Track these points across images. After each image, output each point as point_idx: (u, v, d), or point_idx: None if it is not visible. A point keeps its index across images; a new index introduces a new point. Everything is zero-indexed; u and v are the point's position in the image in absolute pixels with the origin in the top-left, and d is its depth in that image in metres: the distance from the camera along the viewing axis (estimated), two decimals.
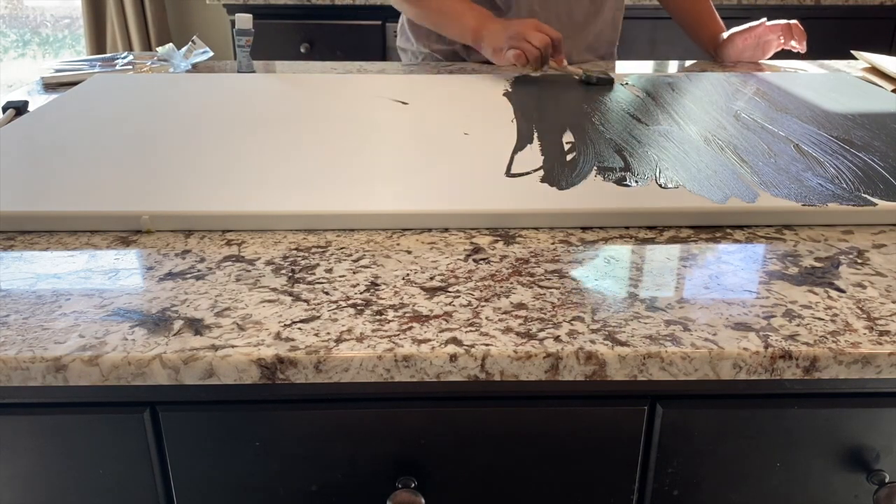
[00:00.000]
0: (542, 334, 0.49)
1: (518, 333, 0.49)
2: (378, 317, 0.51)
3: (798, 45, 1.29)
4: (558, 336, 0.49)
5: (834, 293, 0.54)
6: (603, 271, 0.57)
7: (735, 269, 0.58)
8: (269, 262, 0.58)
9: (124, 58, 1.29)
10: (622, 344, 0.48)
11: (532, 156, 0.77)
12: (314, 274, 0.56)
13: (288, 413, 0.52)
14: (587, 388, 0.52)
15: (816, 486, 0.55)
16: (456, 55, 1.32)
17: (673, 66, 1.34)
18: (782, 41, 1.29)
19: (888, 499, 0.53)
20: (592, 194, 0.67)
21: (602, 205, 0.65)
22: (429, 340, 0.48)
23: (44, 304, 0.52)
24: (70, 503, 0.54)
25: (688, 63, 1.35)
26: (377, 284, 0.55)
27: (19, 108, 0.96)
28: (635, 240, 0.62)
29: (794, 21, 1.29)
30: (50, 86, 1.15)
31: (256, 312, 0.51)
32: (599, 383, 0.50)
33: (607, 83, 1.06)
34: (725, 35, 1.33)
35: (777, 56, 1.33)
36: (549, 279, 0.56)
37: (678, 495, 0.55)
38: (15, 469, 0.53)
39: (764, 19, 1.31)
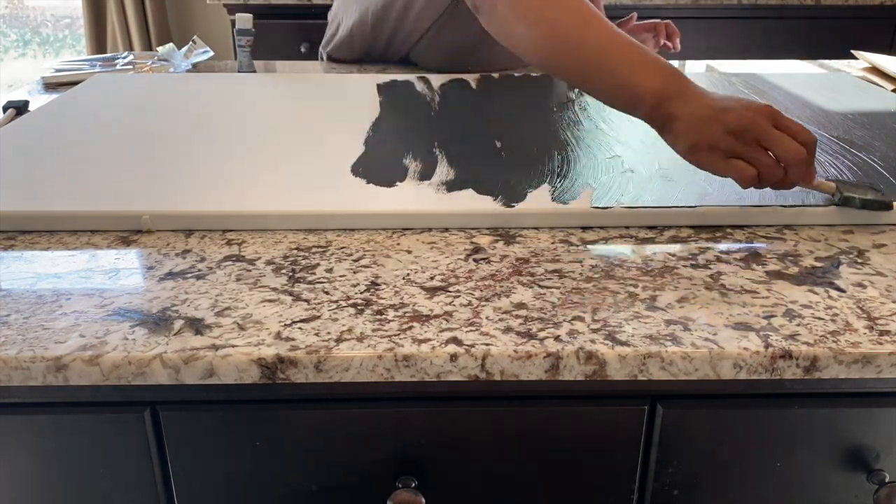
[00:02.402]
0: (542, 334, 0.49)
1: (518, 333, 0.49)
2: (378, 316, 0.51)
3: (671, 44, 1.27)
4: (558, 336, 0.49)
5: (834, 293, 0.54)
6: (603, 271, 0.57)
7: (735, 268, 0.58)
8: (269, 262, 0.58)
9: (125, 58, 1.29)
10: (622, 344, 0.48)
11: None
12: (314, 274, 0.56)
13: (288, 413, 0.52)
14: (587, 387, 0.52)
15: (816, 485, 0.55)
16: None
17: None
18: (655, 41, 1.28)
19: (888, 499, 0.53)
20: (591, 194, 0.67)
21: (603, 204, 0.65)
22: (429, 340, 0.48)
23: (44, 303, 0.52)
24: (70, 503, 0.54)
25: None
26: (377, 284, 0.55)
27: (20, 108, 0.96)
28: (635, 239, 0.62)
29: (667, 20, 1.28)
30: (50, 85, 1.15)
31: (257, 312, 0.51)
32: (599, 383, 0.50)
33: (882, 206, 0.65)
34: None
35: (774, 56, 1.33)
36: (549, 279, 0.56)
37: (678, 495, 0.55)
38: (15, 469, 0.53)
39: (634, 14, 1.29)
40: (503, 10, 0.69)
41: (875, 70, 1.29)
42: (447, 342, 0.48)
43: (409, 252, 0.60)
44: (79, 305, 0.52)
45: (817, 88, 1.07)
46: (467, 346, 0.48)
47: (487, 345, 0.48)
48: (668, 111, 0.63)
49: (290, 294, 0.53)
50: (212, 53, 1.32)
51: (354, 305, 0.52)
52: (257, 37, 1.23)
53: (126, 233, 0.63)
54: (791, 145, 0.60)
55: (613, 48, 0.65)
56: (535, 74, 1.14)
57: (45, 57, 2.88)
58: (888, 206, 0.65)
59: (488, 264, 0.58)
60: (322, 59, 1.35)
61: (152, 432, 0.52)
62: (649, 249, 0.61)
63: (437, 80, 1.08)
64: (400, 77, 1.09)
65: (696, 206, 0.65)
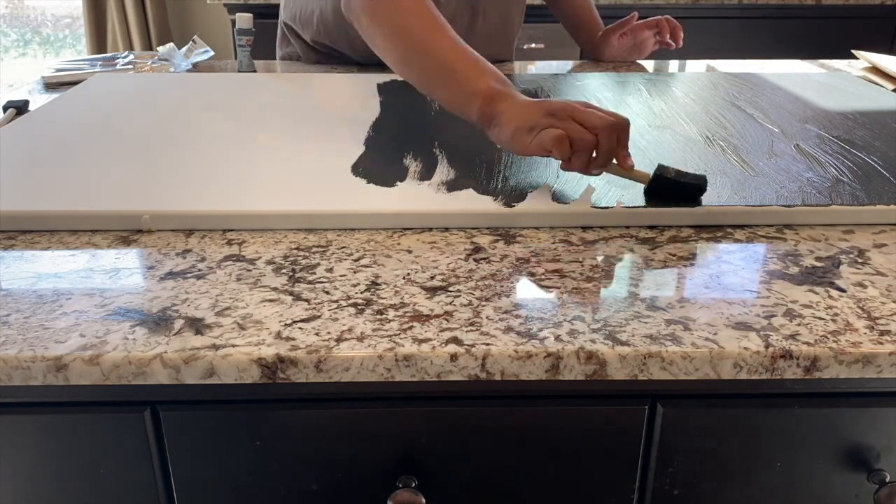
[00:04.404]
0: (542, 334, 0.49)
1: (519, 333, 0.49)
2: (379, 316, 0.51)
3: (673, 42, 1.27)
4: (559, 335, 0.49)
5: (835, 293, 0.54)
6: (603, 271, 0.57)
7: (736, 268, 0.58)
8: (269, 262, 0.58)
9: (125, 57, 1.29)
10: (623, 343, 0.48)
11: None
12: (315, 273, 0.56)
13: (288, 413, 0.52)
14: (588, 387, 0.52)
15: (817, 485, 0.55)
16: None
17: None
18: (658, 39, 1.28)
19: (889, 498, 0.53)
20: (591, 194, 0.67)
21: (603, 204, 0.65)
22: (429, 340, 0.48)
23: (45, 303, 0.52)
24: (70, 503, 0.54)
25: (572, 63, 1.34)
26: (378, 284, 0.55)
27: (20, 108, 0.96)
28: (636, 239, 0.62)
29: (666, 16, 1.28)
30: (51, 85, 1.15)
31: (257, 312, 0.51)
32: (600, 383, 0.50)
33: (697, 188, 0.66)
34: (600, 33, 1.32)
35: (774, 56, 1.33)
36: (549, 279, 0.56)
37: (678, 495, 0.55)
38: (15, 469, 0.53)
39: (634, 14, 1.29)
40: (364, 21, 0.78)
41: (875, 70, 1.29)
42: (447, 342, 0.48)
43: (410, 252, 0.60)
44: (79, 305, 0.52)
45: (817, 88, 1.07)
46: (468, 345, 0.48)
47: (488, 344, 0.48)
48: (495, 108, 0.68)
49: (291, 294, 0.53)
50: (212, 53, 1.32)
51: (355, 305, 0.52)
52: (257, 37, 1.23)
53: (126, 232, 0.63)
54: (599, 115, 0.64)
55: (455, 57, 0.72)
56: (533, 73, 1.14)
57: (45, 57, 2.88)
58: (702, 189, 0.66)
59: (488, 264, 0.58)
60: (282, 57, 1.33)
61: (152, 432, 0.52)
62: (649, 249, 0.61)
63: None
64: (400, 77, 1.09)
65: (696, 206, 0.64)
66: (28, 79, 1.19)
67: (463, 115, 0.72)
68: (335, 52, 1.26)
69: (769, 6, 2.09)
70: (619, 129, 0.64)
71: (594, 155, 0.64)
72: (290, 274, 0.56)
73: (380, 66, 1.20)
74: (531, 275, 0.56)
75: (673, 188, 0.65)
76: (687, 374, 0.48)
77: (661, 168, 0.65)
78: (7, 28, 2.84)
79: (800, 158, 0.77)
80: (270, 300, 0.53)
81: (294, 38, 1.29)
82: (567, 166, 0.65)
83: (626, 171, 0.66)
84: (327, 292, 0.54)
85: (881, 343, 0.48)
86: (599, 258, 0.59)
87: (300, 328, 0.49)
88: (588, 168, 0.65)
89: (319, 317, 0.51)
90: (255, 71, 1.20)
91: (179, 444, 0.52)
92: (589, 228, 0.64)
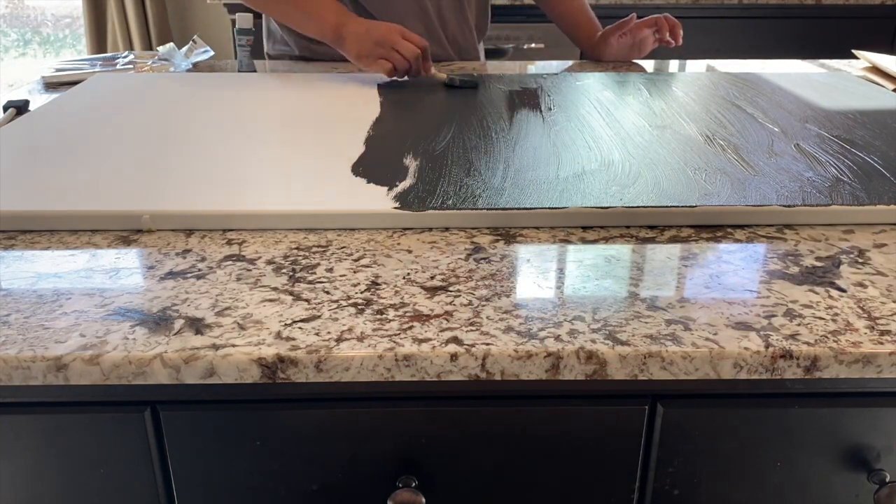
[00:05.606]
0: (542, 333, 0.49)
1: (519, 333, 0.49)
2: (379, 316, 0.51)
3: (673, 40, 1.27)
4: (559, 335, 0.49)
5: (835, 293, 0.54)
6: (603, 270, 0.57)
7: (736, 268, 0.58)
8: (269, 262, 0.58)
9: (125, 57, 1.29)
10: (623, 343, 0.48)
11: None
12: (315, 273, 0.56)
13: (288, 412, 0.52)
14: (587, 387, 0.52)
15: (817, 485, 0.55)
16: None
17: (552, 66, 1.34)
18: (658, 37, 1.28)
19: (889, 498, 0.53)
20: (593, 194, 0.67)
21: (603, 204, 0.65)
22: (429, 340, 0.48)
23: (45, 303, 0.52)
24: (70, 503, 0.54)
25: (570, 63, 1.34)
26: (378, 284, 0.55)
27: (20, 108, 0.96)
28: (636, 239, 0.62)
29: (665, 14, 1.28)
30: (51, 85, 1.15)
31: (257, 312, 0.51)
32: (600, 382, 0.50)
33: (472, 86, 1.05)
34: (599, 34, 1.32)
35: (774, 56, 1.33)
36: (549, 279, 0.56)
37: (678, 495, 0.55)
38: (15, 469, 0.53)
39: (633, 14, 1.29)
40: None
41: (876, 69, 1.29)
42: (447, 342, 0.48)
43: (410, 252, 0.60)
44: (79, 305, 0.52)
45: (817, 88, 1.07)
46: (468, 345, 0.48)
47: (488, 344, 0.48)
48: (341, 34, 1.06)
49: (291, 294, 0.53)
50: (212, 53, 1.32)
51: (355, 305, 0.52)
52: (257, 37, 1.23)
53: (126, 232, 0.63)
54: (409, 46, 1.03)
55: (309, 2, 1.09)
56: (533, 73, 1.14)
57: (45, 56, 2.88)
58: (475, 85, 1.06)
59: (488, 264, 0.58)
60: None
61: (152, 432, 0.52)
62: (649, 249, 0.61)
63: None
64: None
65: (695, 206, 0.65)
66: (28, 79, 1.19)
67: (324, 39, 1.10)
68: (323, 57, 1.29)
69: (769, 6, 2.09)
70: (423, 53, 1.04)
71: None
72: (290, 274, 0.56)
73: None
74: (531, 275, 0.56)
75: (458, 87, 1.05)
76: (687, 374, 0.48)
77: (449, 78, 1.06)
78: (7, 28, 2.84)
79: (800, 158, 0.77)
80: (270, 300, 0.53)
81: (286, 34, 1.29)
82: (390, 76, 1.05)
83: (429, 76, 1.07)
84: (327, 292, 0.54)
85: (881, 343, 0.48)
86: (600, 258, 0.59)
87: (300, 328, 0.49)
88: (404, 77, 1.06)
89: (319, 317, 0.51)
90: (255, 71, 1.21)
91: (179, 444, 0.52)
92: (589, 228, 0.64)
